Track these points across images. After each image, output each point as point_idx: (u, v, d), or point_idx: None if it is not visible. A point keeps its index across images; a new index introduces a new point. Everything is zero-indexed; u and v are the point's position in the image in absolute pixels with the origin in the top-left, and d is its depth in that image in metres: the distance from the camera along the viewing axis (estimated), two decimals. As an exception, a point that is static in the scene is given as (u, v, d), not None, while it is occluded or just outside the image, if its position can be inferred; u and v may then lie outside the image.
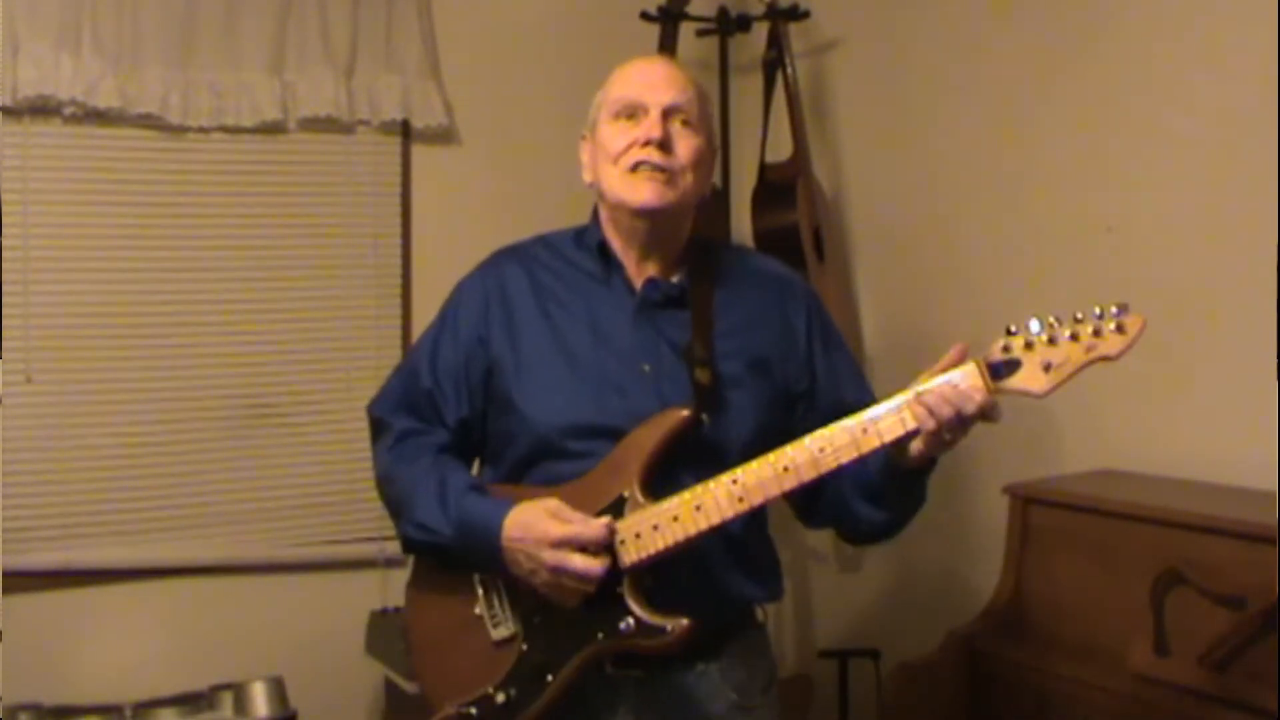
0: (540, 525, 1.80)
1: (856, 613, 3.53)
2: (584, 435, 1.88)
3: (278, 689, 3.02)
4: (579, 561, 1.78)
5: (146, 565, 3.16)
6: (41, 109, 3.01)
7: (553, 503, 1.82)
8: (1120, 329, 1.67)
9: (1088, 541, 2.52)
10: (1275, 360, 2.37)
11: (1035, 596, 2.60)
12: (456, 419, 1.99)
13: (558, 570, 1.79)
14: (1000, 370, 1.71)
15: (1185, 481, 2.62)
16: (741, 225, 3.49)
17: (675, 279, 1.96)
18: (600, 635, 1.82)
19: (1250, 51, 2.53)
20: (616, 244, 1.96)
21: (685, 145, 1.89)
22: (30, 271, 3.04)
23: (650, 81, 1.91)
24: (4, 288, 2.96)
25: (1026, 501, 2.65)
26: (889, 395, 1.75)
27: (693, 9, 3.44)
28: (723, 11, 3.56)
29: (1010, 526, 2.67)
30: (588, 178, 1.98)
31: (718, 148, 2.01)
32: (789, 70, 3.37)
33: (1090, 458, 2.83)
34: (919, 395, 1.72)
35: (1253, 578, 2.20)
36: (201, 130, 3.16)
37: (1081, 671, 2.39)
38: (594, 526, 1.79)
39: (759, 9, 3.48)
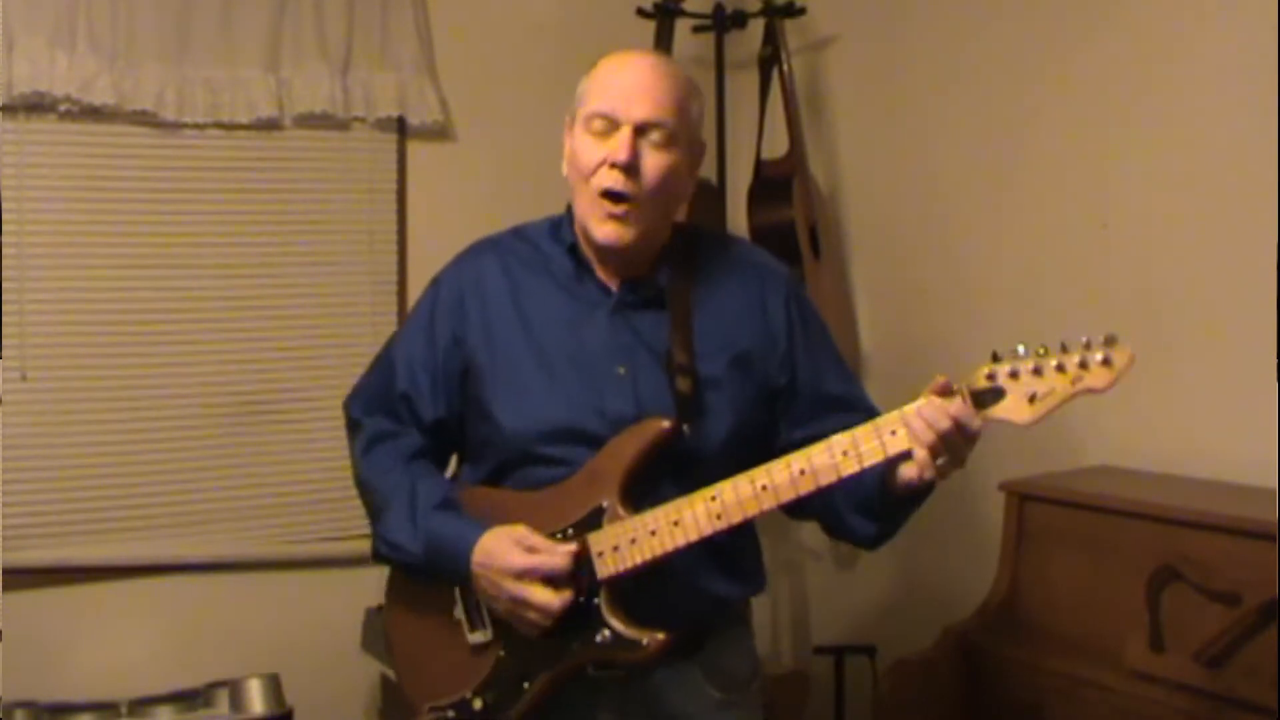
0: (504, 555, 1.80)
1: (852, 609, 3.53)
2: (559, 441, 1.87)
3: (274, 686, 3.02)
4: (539, 595, 1.78)
5: (142, 562, 3.16)
6: (36, 106, 3.00)
7: (520, 530, 1.81)
8: (1107, 361, 1.67)
9: (1084, 538, 2.52)
10: (1273, 357, 2.37)
11: (1031, 593, 2.61)
12: (433, 419, 1.98)
13: (516, 601, 1.79)
14: (985, 398, 1.71)
15: (1181, 478, 2.62)
16: (737, 221, 3.48)
17: (653, 278, 1.92)
18: (576, 646, 1.82)
19: (1249, 48, 2.53)
20: (590, 250, 1.92)
21: (654, 165, 1.82)
22: (25, 269, 3.03)
23: (627, 93, 1.82)
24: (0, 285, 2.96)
25: (1023, 498, 2.64)
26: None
27: (688, 5, 3.43)
28: (718, 8, 3.55)
29: (1006, 523, 2.67)
30: (566, 170, 1.91)
31: (703, 145, 1.94)
32: (785, 67, 3.37)
33: (1086, 454, 2.83)
34: (904, 418, 1.71)
35: (1248, 574, 2.21)
36: (197, 127, 3.15)
37: (1077, 668, 2.39)
38: (558, 556, 1.78)
39: (755, 6, 3.48)
